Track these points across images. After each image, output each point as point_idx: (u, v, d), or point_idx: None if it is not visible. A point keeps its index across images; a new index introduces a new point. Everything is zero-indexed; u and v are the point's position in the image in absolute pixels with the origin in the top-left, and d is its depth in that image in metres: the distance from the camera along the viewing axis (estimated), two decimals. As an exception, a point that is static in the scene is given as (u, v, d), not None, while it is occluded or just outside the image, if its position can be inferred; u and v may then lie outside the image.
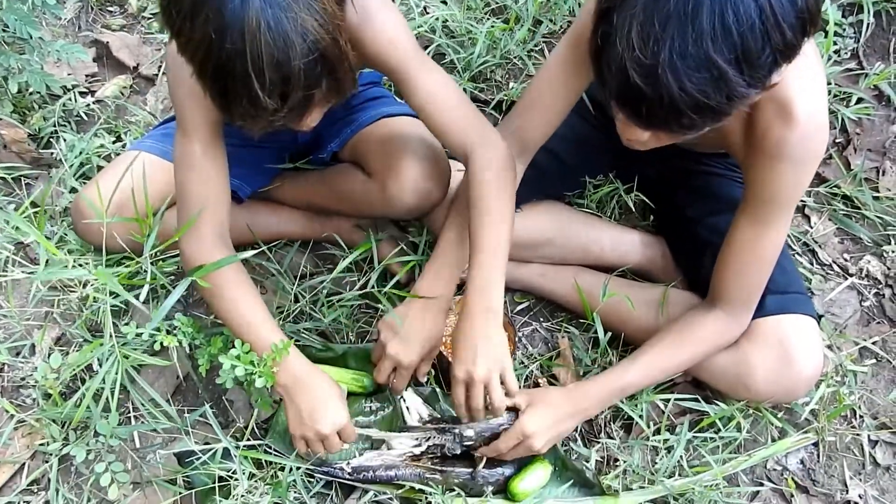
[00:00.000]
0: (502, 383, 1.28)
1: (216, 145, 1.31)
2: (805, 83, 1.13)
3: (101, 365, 1.27)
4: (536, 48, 1.98)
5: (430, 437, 1.44)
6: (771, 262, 1.33)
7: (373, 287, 1.55)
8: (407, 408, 1.49)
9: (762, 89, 0.95)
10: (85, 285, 1.31)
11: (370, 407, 1.53)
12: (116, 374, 1.26)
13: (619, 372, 1.41)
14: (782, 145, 1.17)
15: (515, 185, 1.35)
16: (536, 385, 1.58)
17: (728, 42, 0.87)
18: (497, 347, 1.27)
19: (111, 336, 1.26)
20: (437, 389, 1.52)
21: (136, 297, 1.23)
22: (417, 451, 1.43)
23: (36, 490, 1.44)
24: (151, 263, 1.29)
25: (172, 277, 1.62)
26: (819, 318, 1.46)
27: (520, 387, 1.56)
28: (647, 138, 1.08)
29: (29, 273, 1.38)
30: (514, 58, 1.97)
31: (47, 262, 1.26)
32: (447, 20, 1.95)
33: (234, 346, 1.30)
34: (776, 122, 1.16)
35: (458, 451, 1.41)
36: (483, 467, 1.42)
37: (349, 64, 1.07)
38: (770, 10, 0.87)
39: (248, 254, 1.29)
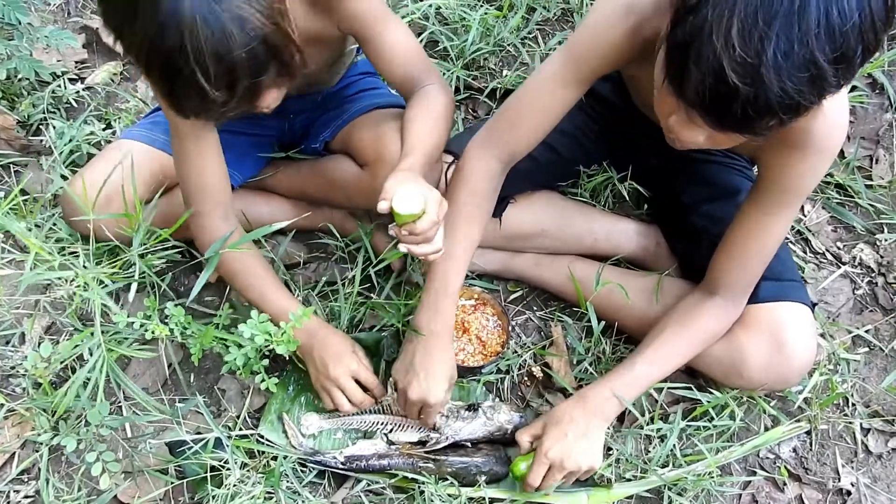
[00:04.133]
0: None
1: (207, 136, 1.32)
2: None
3: (91, 354, 1.26)
4: (530, 35, 1.97)
5: (421, 429, 1.45)
6: (773, 251, 1.33)
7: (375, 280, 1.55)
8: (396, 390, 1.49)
9: (838, 91, 0.93)
10: (71, 282, 1.30)
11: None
12: (106, 365, 1.25)
13: (626, 366, 1.41)
14: (806, 134, 1.16)
15: (448, 131, 1.38)
16: (531, 375, 1.58)
17: (831, 41, 0.85)
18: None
19: (100, 327, 1.24)
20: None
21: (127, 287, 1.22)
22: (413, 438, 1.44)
23: (26, 480, 1.44)
24: (140, 256, 1.28)
25: (162, 267, 1.62)
26: (813, 305, 1.45)
27: (518, 382, 1.57)
28: (704, 139, 1.05)
29: (17, 270, 1.37)
30: (508, 45, 1.96)
31: (35, 254, 1.25)
32: (440, 7, 1.94)
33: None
34: None
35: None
36: (479, 456, 1.43)
37: (296, 46, 1.07)
38: (868, 8, 0.85)
39: (263, 231, 1.36)
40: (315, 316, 1.40)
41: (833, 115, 1.15)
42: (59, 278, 1.27)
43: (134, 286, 1.26)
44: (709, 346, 1.42)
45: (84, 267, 1.27)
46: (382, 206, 1.16)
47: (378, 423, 1.46)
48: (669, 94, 0.99)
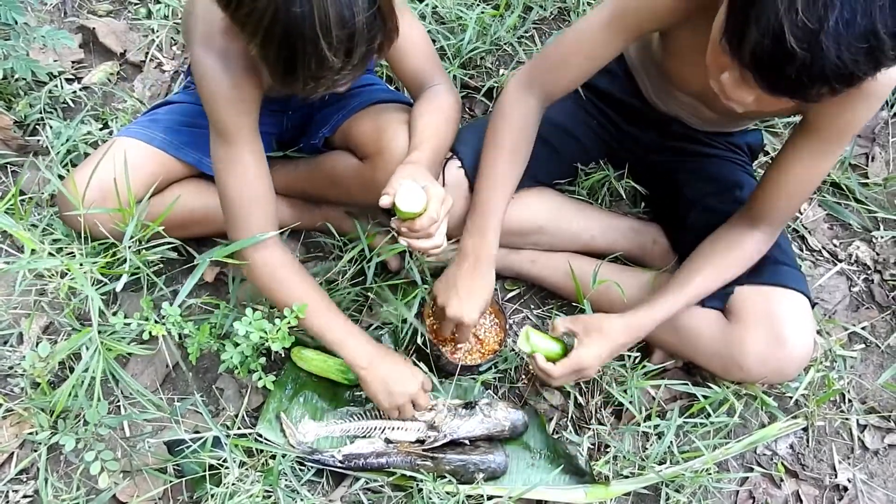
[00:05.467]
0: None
1: (259, 145, 1.31)
2: None
3: (91, 356, 1.26)
4: (527, 34, 1.97)
5: (419, 429, 1.45)
6: (817, 185, 1.36)
7: (372, 282, 1.55)
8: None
9: (893, 65, 0.93)
10: (63, 275, 1.30)
11: (361, 395, 1.53)
12: (100, 363, 1.25)
13: (672, 298, 1.40)
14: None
15: (454, 132, 1.43)
16: (528, 373, 1.58)
17: (894, 14, 0.86)
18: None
19: (97, 325, 1.24)
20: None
21: (117, 283, 1.22)
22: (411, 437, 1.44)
23: (25, 479, 1.44)
24: (135, 252, 1.28)
25: (159, 266, 1.62)
26: (813, 305, 1.46)
27: (515, 380, 1.57)
28: (752, 101, 1.06)
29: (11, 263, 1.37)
30: (505, 44, 1.96)
31: (33, 251, 1.25)
32: (437, 6, 1.95)
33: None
34: None
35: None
36: (476, 454, 1.43)
37: (394, 14, 1.10)
38: None
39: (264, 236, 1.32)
40: (370, 343, 1.41)
41: None
42: (50, 269, 1.27)
43: (124, 278, 1.26)
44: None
45: (74, 256, 1.26)
46: (384, 201, 1.19)
47: (375, 428, 1.46)
48: (724, 53, 1.00)
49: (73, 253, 1.49)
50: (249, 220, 1.32)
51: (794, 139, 1.32)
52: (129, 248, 1.27)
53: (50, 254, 1.22)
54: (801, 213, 1.83)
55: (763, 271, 1.42)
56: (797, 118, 1.36)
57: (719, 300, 1.45)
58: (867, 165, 1.90)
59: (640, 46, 1.53)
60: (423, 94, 1.42)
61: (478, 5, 1.97)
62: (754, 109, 1.10)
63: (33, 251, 1.22)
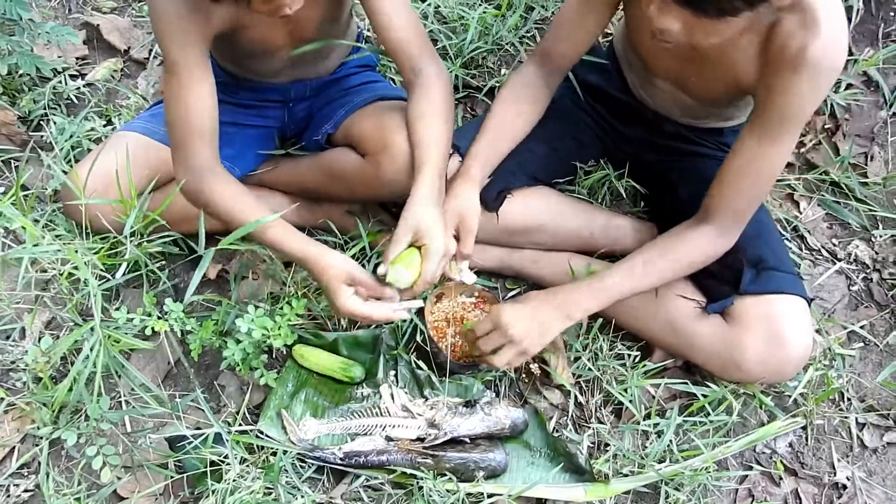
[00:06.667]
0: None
1: (203, 79, 1.30)
2: (829, 3, 1.17)
3: (91, 350, 1.27)
4: (528, 34, 1.98)
5: (420, 426, 1.46)
6: (769, 181, 1.34)
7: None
8: (392, 395, 1.50)
9: None
10: (65, 263, 1.30)
11: (361, 393, 1.53)
12: (103, 358, 1.26)
13: (601, 275, 1.41)
14: (803, 52, 1.17)
15: (453, 122, 1.43)
16: (528, 371, 1.59)
17: None
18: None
19: (98, 320, 1.25)
20: (431, 376, 1.53)
21: (118, 274, 1.23)
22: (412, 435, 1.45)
23: (26, 474, 1.44)
24: (136, 245, 1.29)
25: (161, 262, 1.62)
26: (810, 302, 1.46)
27: (515, 379, 1.57)
28: (679, 28, 1.10)
29: (16, 265, 1.37)
30: (506, 44, 1.96)
31: (35, 245, 1.26)
32: (439, 6, 1.95)
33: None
34: (799, 31, 1.17)
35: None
36: (477, 452, 1.43)
37: None
38: None
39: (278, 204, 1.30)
40: (305, 239, 1.34)
41: (829, 34, 1.16)
42: (51, 258, 1.27)
43: (123, 267, 1.26)
44: (689, 273, 1.42)
45: (76, 251, 1.27)
46: (381, 271, 1.27)
47: (376, 425, 1.47)
48: None
49: (76, 248, 1.50)
50: (191, 150, 1.30)
51: (743, 132, 1.32)
52: (129, 239, 1.28)
53: (49, 243, 1.22)
54: (801, 213, 1.84)
55: (760, 281, 1.42)
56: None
57: (716, 310, 1.46)
58: (866, 164, 1.90)
59: (623, 38, 1.57)
60: (414, 90, 1.41)
61: (480, 5, 1.98)
62: (685, 41, 1.14)
63: (36, 245, 1.23)
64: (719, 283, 1.46)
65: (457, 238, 1.39)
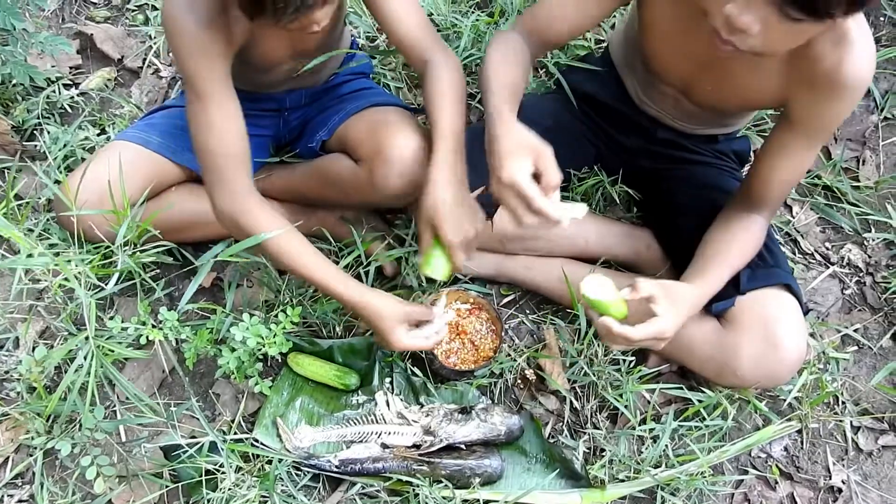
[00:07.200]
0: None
1: (231, 98, 1.30)
2: (859, 19, 1.17)
3: (85, 359, 1.26)
4: (521, 41, 1.98)
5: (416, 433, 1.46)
6: (803, 176, 1.38)
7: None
8: (387, 402, 1.50)
9: None
10: (57, 274, 1.30)
11: (356, 401, 1.53)
12: (96, 367, 1.25)
13: (705, 286, 1.36)
14: (838, 71, 1.18)
15: (465, 108, 1.41)
16: (524, 377, 1.59)
17: None
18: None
19: (91, 331, 1.25)
20: (427, 383, 1.53)
21: (111, 284, 1.23)
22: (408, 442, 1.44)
23: (20, 484, 1.44)
24: (130, 255, 1.29)
25: (156, 271, 1.62)
26: (806, 312, 1.46)
27: (511, 385, 1.57)
28: (758, 30, 1.05)
29: (8, 274, 1.37)
30: (500, 51, 1.96)
31: (29, 255, 1.25)
32: (432, 13, 1.95)
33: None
34: (831, 49, 1.18)
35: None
36: (473, 459, 1.43)
37: None
38: None
39: (257, 239, 1.29)
40: (359, 287, 1.37)
41: (861, 52, 1.18)
42: (43, 269, 1.27)
43: (115, 277, 1.26)
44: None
45: (70, 261, 1.27)
46: (417, 261, 1.31)
47: (371, 433, 1.47)
48: None
49: (70, 260, 1.50)
50: (231, 175, 1.30)
51: (779, 133, 1.34)
52: (122, 248, 1.28)
53: (41, 254, 1.22)
54: (794, 217, 1.84)
55: (757, 275, 1.43)
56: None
57: (720, 309, 1.45)
58: (858, 169, 1.91)
59: (625, 41, 1.55)
60: (427, 75, 1.40)
61: (472, 12, 1.98)
62: (757, 47, 1.09)
63: (29, 255, 1.23)
64: None
65: (536, 178, 1.23)
